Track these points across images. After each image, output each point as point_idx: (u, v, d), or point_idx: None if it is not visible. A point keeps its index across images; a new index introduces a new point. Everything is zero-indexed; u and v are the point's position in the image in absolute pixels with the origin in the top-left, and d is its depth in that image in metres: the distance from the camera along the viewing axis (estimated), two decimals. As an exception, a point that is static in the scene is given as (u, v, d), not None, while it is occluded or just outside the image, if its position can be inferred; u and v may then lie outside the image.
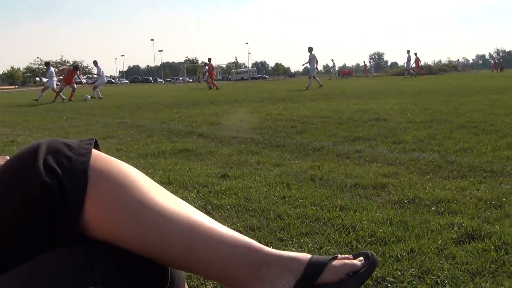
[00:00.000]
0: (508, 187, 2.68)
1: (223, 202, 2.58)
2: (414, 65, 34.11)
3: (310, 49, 20.07)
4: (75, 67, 19.54)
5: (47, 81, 18.09)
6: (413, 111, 7.13)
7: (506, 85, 15.09)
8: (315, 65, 20.08)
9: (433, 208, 2.35)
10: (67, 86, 17.79)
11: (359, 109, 7.97)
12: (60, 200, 0.77)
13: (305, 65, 21.98)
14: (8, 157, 1.56)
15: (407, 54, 32.88)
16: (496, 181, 2.84)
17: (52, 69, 18.43)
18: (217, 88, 20.59)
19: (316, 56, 20.01)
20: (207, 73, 21.30)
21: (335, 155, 3.93)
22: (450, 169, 3.21)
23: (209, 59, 21.28)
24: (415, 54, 34.06)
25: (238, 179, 3.16)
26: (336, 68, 45.58)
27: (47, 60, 24.95)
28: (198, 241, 0.82)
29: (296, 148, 4.36)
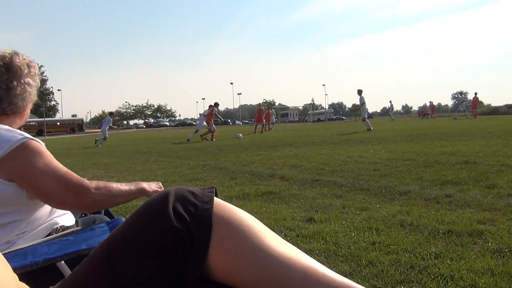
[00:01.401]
0: None
1: (312, 247, 2.59)
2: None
3: (360, 92, 19.49)
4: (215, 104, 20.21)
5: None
6: (505, 154, 6.74)
7: None
8: (366, 107, 19.54)
9: (538, 259, 2.20)
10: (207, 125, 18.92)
11: (445, 151, 7.67)
12: (188, 243, 0.85)
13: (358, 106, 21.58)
14: (160, 183, 1.72)
15: (460, 97, 33.23)
16: None
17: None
18: (210, 136, 19.19)
19: (364, 99, 19.46)
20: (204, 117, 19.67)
21: (423, 200, 3.81)
22: (553, 217, 2.99)
23: (216, 104, 19.96)
24: (475, 94, 33.70)
25: (325, 223, 3.16)
26: (394, 109, 45.38)
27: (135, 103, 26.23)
28: (313, 286, 0.86)
29: (381, 191, 4.28)
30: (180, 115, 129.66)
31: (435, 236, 2.70)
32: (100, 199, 1.37)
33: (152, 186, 1.64)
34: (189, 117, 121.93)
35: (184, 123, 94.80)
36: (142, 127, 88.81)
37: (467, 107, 37.24)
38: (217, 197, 0.98)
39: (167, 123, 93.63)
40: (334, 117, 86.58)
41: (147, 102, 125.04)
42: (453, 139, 10.50)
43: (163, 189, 1.80)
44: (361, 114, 19.87)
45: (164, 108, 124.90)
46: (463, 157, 6.58)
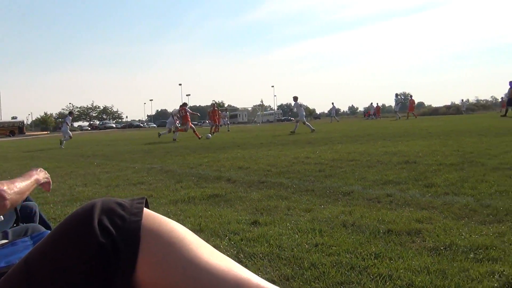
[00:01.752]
0: (548, 232, 2.60)
1: (256, 250, 2.58)
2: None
3: (295, 99, 21.07)
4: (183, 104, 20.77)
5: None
6: (443, 153, 7.04)
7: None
8: (303, 112, 20.91)
9: (471, 255, 2.30)
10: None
11: (387, 151, 7.91)
12: (114, 259, 0.81)
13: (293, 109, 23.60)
14: (45, 172, 1.79)
15: (395, 98, 35.34)
16: (536, 226, 2.76)
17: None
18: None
19: (303, 103, 21.41)
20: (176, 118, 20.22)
21: (365, 200, 3.90)
22: (486, 213, 3.14)
23: (185, 104, 20.81)
24: (411, 96, 36.17)
25: (270, 225, 3.16)
26: (336, 111, 46.87)
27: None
28: None
29: (326, 192, 4.35)
30: (127, 117, 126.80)
31: (376, 236, 2.76)
32: (15, 198, 1.33)
33: (40, 174, 1.72)
34: (137, 119, 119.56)
35: (131, 125, 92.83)
36: (87, 129, 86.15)
37: (400, 108, 39.14)
38: (147, 208, 0.94)
39: (113, 125, 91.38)
40: (283, 118, 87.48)
41: (92, 103, 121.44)
42: (395, 140, 10.86)
43: (49, 177, 1.79)
44: (299, 118, 20.60)
45: (110, 109, 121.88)
46: (404, 157, 6.81)
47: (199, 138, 18.36)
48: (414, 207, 3.48)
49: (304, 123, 20.59)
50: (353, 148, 9.16)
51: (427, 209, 3.38)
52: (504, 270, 2.03)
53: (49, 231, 1.44)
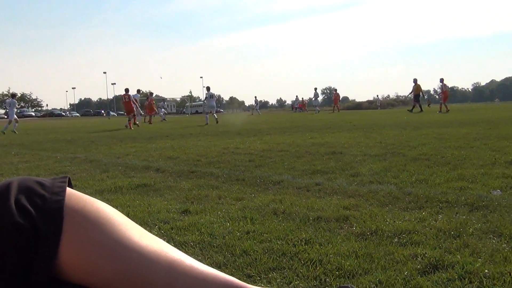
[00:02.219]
0: (464, 217, 2.78)
1: (187, 239, 2.53)
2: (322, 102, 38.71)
3: (208, 88, 21.40)
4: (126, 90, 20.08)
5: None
6: (367, 144, 7.33)
7: (451, 119, 15.85)
8: (213, 103, 21.47)
9: (395, 240, 2.39)
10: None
11: (315, 142, 8.11)
12: (33, 241, 0.73)
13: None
14: None
15: (314, 91, 37.16)
16: (452, 211, 2.94)
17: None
18: (150, 123, 19.90)
19: (215, 94, 21.79)
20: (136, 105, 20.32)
21: (295, 188, 3.96)
22: (407, 200, 3.29)
23: (151, 93, 21.07)
24: (335, 90, 37.65)
25: (200, 214, 3.12)
26: (258, 104, 47.20)
27: None
28: (178, 280, 0.80)
29: (256, 181, 4.36)
30: (47, 105, 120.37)
31: (306, 222, 2.80)
32: None
33: None
34: (58, 107, 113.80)
35: (52, 114, 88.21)
36: (3, 118, 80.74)
37: (318, 102, 40.51)
38: (71, 187, 0.87)
39: (33, 113, 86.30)
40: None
41: (9, 90, 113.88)
42: (322, 131, 11.17)
43: None
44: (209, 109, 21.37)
45: (28, 97, 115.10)
46: (331, 148, 7.01)
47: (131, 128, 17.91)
48: (342, 195, 3.58)
49: (211, 113, 20.94)
50: (282, 139, 9.30)
51: (353, 197, 3.50)
52: (425, 253, 2.13)
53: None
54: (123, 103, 20.06)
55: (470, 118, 15.97)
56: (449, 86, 30.25)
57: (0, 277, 0.72)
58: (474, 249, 2.18)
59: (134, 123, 19.12)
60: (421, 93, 26.41)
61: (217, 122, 19.72)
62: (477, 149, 6.13)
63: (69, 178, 0.88)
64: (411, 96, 26.86)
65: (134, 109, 19.53)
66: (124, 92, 20.14)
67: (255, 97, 46.16)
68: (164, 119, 29.56)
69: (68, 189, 0.84)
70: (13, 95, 20.17)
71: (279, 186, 4.10)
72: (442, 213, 2.90)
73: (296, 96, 50.61)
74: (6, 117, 19.14)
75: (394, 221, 2.74)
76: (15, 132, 17.30)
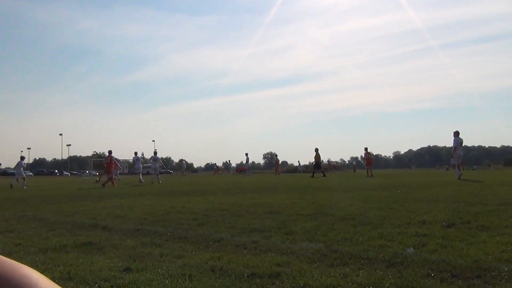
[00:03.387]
0: (382, 272, 2.83)
1: (125, 296, 2.40)
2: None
3: (154, 153, 23.32)
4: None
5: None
6: (301, 205, 7.41)
7: (376, 183, 16.45)
8: (139, 165, 24.44)
9: (321, 295, 2.39)
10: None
11: (255, 202, 8.11)
12: None
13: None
14: None
15: (246, 157, 37.84)
16: (372, 267, 2.99)
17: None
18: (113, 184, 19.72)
19: (158, 158, 23.20)
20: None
21: (233, 246, 3.90)
22: (334, 257, 3.33)
23: (110, 151, 21.09)
24: (276, 156, 38.71)
25: (141, 272, 2.98)
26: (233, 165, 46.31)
27: None
28: None
29: (198, 239, 4.27)
30: (1, 164, 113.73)
31: (240, 279, 2.75)
32: None
33: None
34: (12, 167, 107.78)
35: (5, 173, 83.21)
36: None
37: (248, 165, 40.82)
38: (-1, 252, 0.82)
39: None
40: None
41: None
42: (262, 192, 11.22)
43: None
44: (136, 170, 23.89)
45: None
46: (269, 207, 7.03)
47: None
48: (275, 252, 3.56)
49: (138, 174, 23.50)
50: (226, 199, 9.23)
51: (286, 254, 3.49)
52: (347, 306, 2.14)
53: None
54: (105, 164, 20.51)
55: (391, 182, 16.65)
56: (374, 154, 31.70)
57: None
58: (389, 302, 2.22)
59: (103, 182, 19.27)
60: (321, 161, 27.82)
61: (158, 182, 20.87)
62: (396, 210, 6.36)
63: None
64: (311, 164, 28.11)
65: (112, 169, 19.93)
66: (108, 154, 20.76)
67: (182, 160, 45.50)
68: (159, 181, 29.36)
69: None
70: (22, 158, 21.53)
71: (219, 244, 4.03)
72: (363, 269, 2.95)
73: (246, 159, 49.57)
74: None
75: (321, 277, 2.75)
76: None
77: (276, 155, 39.96)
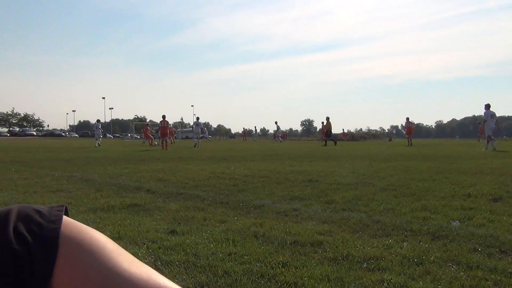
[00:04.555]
0: (426, 245, 2.79)
1: (173, 258, 2.49)
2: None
3: (197, 118, 24.95)
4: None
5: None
6: (340, 174, 7.37)
7: (416, 153, 16.07)
8: (198, 130, 24.80)
9: (364, 265, 2.39)
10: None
11: (294, 170, 8.12)
12: (29, 267, 0.72)
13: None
14: None
15: (276, 125, 38.48)
16: (416, 240, 2.95)
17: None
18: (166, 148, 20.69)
19: (200, 123, 24.80)
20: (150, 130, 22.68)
21: (274, 213, 3.94)
22: (376, 228, 3.30)
23: (163, 116, 22.28)
24: (322, 123, 37.93)
25: (186, 235, 3.07)
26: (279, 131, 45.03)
27: None
28: None
29: (239, 205, 4.34)
30: (48, 126, 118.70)
31: (283, 246, 2.78)
32: None
33: None
34: (58, 128, 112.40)
35: (52, 134, 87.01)
36: (6, 136, 79.23)
37: (279, 133, 40.94)
38: (67, 216, 0.86)
39: (34, 133, 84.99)
40: (201, 135, 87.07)
41: (13, 110, 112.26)
42: (300, 160, 11.21)
43: None
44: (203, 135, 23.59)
45: (31, 117, 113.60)
46: (308, 175, 7.02)
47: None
48: (317, 221, 3.58)
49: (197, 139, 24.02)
50: (264, 166, 9.30)
51: (327, 223, 3.49)
52: (391, 279, 2.13)
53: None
54: (160, 127, 21.75)
55: (433, 153, 16.22)
56: (415, 123, 31.02)
57: None
58: (435, 276, 2.19)
59: (165, 146, 20.57)
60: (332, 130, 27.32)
61: (197, 146, 21.97)
62: (439, 182, 6.21)
63: (66, 207, 0.87)
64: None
65: (167, 133, 21.38)
66: (162, 118, 22.06)
67: (276, 122, 43.30)
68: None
69: (64, 218, 0.83)
70: (98, 120, 24.36)
71: (259, 210, 4.08)
72: (407, 241, 2.91)
73: (277, 126, 48.72)
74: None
75: (364, 247, 2.74)
76: None
77: (323, 122, 38.43)
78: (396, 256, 2.55)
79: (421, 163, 10.05)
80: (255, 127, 62.24)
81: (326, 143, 26.32)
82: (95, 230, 0.88)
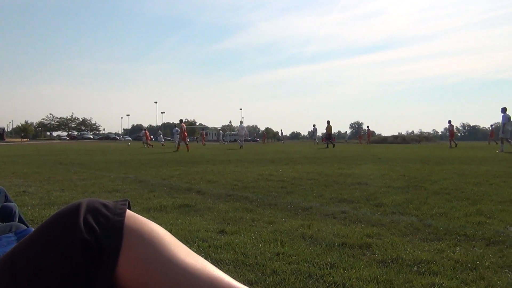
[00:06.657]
0: (481, 250, 2.70)
1: (222, 257, 2.56)
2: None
3: (240, 122, 27.87)
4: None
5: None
6: (391, 177, 7.21)
7: (472, 156, 15.39)
8: (242, 133, 26.90)
9: (414, 268, 2.35)
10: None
11: (342, 173, 8.04)
12: (97, 254, 0.79)
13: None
14: None
15: (313, 127, 38.40)
16: (470, 245, 2.85)
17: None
18: (188, 150, 21.50)
19: (244, 126, 27.23)
20: (177, 135, 23.65)
21: (322, 215, 3.93)
22: (427, 232, 3.22)
23: (181, 120, 22.89)
24: (368, 127, 38.02)
25: (235, 234, 3.14)
26: (319, 134, 44.31)
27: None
28: None
29: (287, 207, 4.36)
30: (104, 129, 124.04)
31: (331, 247, 2.78)
32: None
33: None
34: (113, 132, 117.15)
35: (108, 137, 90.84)
36: (66, 139, 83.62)
37: (317, 135, 40.68)
38: (130, 209, 0.93)
39: (91, 136, 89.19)
40: (249, 138, 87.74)
41: (72, 115, 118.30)
42: (349, 163, 11.05)
43: None
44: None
45: (88, 121, 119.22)
46: (357, 178, 6.93)
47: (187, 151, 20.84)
48: (365, 224, 3.54)
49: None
50: (312, 168, 9.26)
51: (376, 226, 3.44)
52: (443, 283, 2.09)
53: (33, 229, 1.39)
54: (184, 131, 22.49)
55: (490, 156, 15.47)
56: (471, 125, 30.41)
57: (68, 283, 0.77)
58: (489, 282, 2.12)
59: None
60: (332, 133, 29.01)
61: (242, 148, 24.10)
62: (496, 186, 5.94)
63: (129, 202, 0.94)
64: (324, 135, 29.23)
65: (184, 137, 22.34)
66: (179, 122, 23.09)
67: (314, 125, 42.32)
68: (163, 144, 33.54)
69: (128, 211, 0.90)
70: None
71: (307, 212, 4.09)
72: (460, 246, 2.82)
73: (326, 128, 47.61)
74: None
75: (414, 251, 2.69)
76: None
77: (368, 126, 39.00)
78: (448, 260, 2.48)
79: (477, 167, 9.63)
80: (281, 130, 64.75)
81: (327, 145, 28.17)
82: (155, 223, 0.95)
